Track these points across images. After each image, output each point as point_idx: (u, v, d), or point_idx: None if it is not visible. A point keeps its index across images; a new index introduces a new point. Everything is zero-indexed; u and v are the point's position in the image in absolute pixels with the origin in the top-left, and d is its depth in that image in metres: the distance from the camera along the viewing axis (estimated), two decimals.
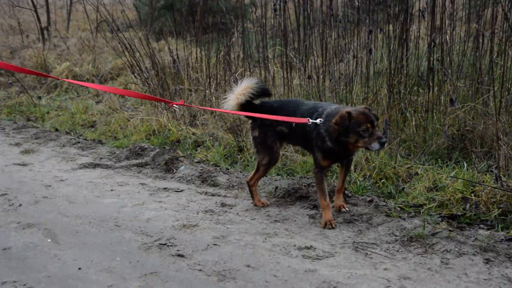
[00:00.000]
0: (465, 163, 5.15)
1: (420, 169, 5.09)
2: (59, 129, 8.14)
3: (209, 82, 7.65)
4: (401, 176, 5.04)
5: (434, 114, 5.77)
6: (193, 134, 6.95)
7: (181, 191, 5.36)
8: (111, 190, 5.38)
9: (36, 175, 5.91)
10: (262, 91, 4.61)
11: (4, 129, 8.16)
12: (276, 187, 5.18)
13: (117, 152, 6.75)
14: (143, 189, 5.45)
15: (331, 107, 4.23)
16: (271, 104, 4.61)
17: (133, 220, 4.57)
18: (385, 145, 4.13)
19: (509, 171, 4.72)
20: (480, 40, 5.89)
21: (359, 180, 5.14)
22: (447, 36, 6.24)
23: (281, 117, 4.36)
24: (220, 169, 5.89)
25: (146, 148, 6.57)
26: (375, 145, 3.97)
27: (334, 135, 4.05)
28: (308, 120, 4.16)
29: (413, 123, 5.69)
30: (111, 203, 5.00)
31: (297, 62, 7.04)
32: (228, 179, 5.59)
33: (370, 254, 3.84)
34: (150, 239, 4.18)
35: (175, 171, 5.93)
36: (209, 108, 6.93)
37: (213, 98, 7.40)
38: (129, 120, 7.86)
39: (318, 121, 4.13)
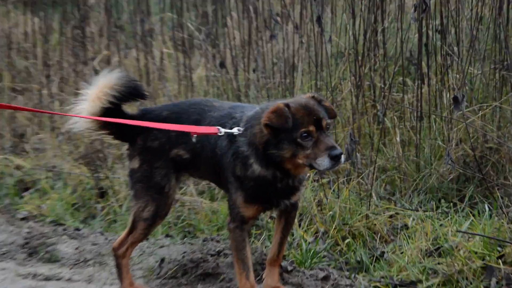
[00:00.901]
0: (486, 207, 5.23)
1: (411, 219, 5.19)
2: None
3: (49, 76, 7.79)
4: (378, 231, 5.10)
5: (433, 122, 5.88)
6: (18, 168, 7.20)
7: None
8: None
9: None
10: (131, 92, 4.47)
11: None
12: (162, 259, 5.33)
13: None
14: None
15: (255, 109, 4.14)
16: (159, 113, 4.53)
17: None
18: (341, 159, 3.87)
19: None
20: None
21: (306, 240, 5.24)
22: None
23: (167, 125, 4.23)
24: (65, 230, 6.08)
25: None
26: (323, 161, 3.77)
27: (261, 147, 3.92)
28: (218, 129, 3.98)
29: (398, 138, 5.73)
30: None
31: (202, 40, 7.06)
32: (77, 248, 5.74)
33: None
34: None
35: None
36: (51, 112, 7.10)
37: (56, 104, 7.59)
38: None
39: (235, 130, 3.95)
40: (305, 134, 3.76)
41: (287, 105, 3.83)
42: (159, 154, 4.39)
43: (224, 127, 4.03)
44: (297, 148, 3.78)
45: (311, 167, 3.87)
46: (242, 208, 4.04)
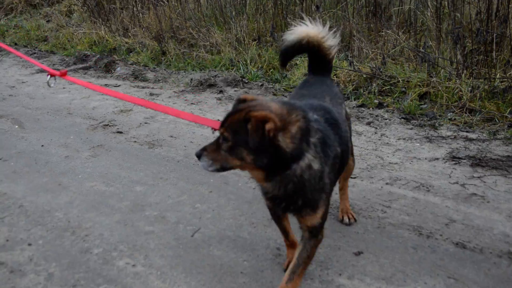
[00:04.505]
0: None
1: (298, 61, 6.83)
2: (18, 44, 10.34)
3: (135, 1, 9.36)
4: None
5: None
6: (126, 43, 8.91)
7: (118, 86, 7.08)
8: (63, 88, 7.14)
9: (1, 79, 7.64)
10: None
11: None
12: (191, 79, 6.87)
13: (66, 59, 8.90)
14: None
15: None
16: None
17: (82, 109, 6.02)
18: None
19: (361, 59, 6.26)
20: None
21: (253, 70, 6.98)
22: None
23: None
24: (148, 68, 7.80)
25: (89, 55, 8.59)
26: None
27: None
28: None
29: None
30: (64, 97, 6.67)
31: None
32: (155, 76, 7.29)
33: None
34: (96, 121, 5.39)
35: (113, 71, 7.85)
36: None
37: (140, 15, 9.23)
38: (74, 34, 9.88)
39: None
40: None
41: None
42: None
43: None
44: None
45: None
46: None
